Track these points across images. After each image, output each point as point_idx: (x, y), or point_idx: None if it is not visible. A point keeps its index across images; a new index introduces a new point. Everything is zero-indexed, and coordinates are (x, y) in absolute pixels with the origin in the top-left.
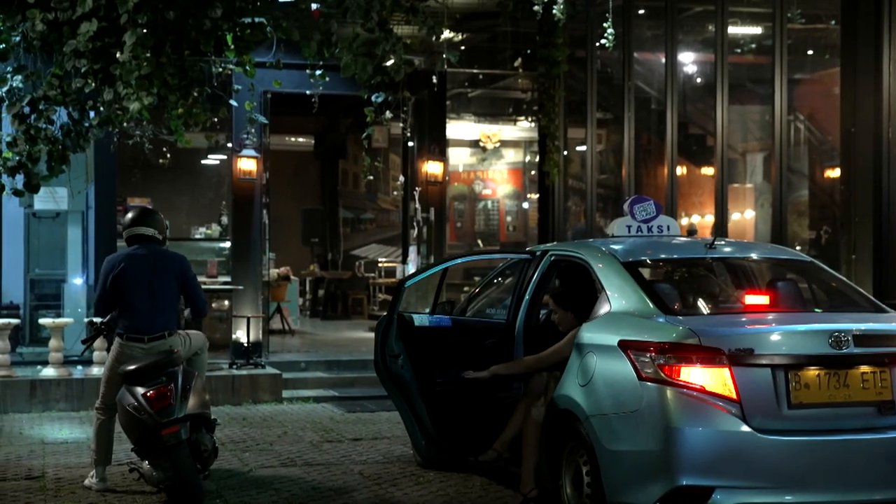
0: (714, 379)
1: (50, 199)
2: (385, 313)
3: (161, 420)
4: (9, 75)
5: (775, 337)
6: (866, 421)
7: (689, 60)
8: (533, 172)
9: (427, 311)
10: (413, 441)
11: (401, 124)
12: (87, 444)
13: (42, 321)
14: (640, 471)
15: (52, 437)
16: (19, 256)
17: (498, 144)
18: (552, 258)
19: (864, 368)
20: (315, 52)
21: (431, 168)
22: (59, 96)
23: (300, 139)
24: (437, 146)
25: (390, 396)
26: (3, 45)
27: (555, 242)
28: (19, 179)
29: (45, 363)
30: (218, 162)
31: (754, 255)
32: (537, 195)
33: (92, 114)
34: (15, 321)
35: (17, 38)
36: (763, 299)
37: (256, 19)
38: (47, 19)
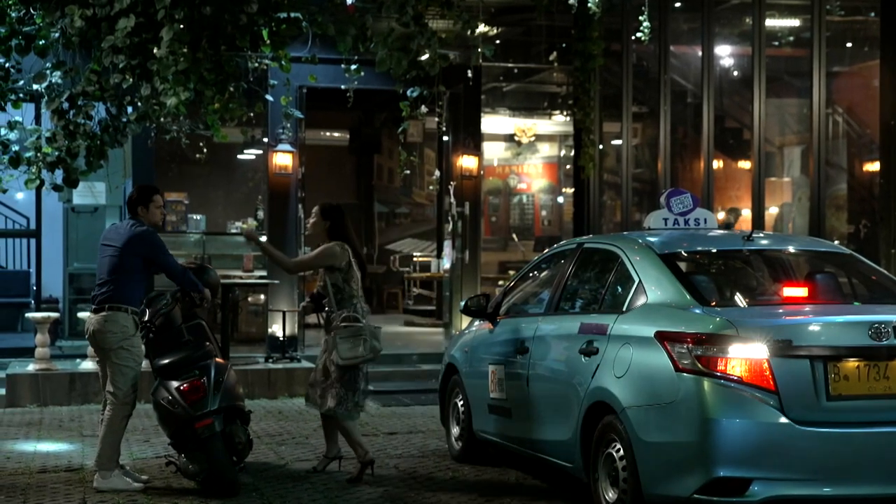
0: (752, 370)
1: (88, 193)
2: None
3: (194, 413)
4: (48, 71)
5: (814, 328)
6: None
7: (725, 53)
8: (568, 167)
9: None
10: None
11: (436, 119)
12: (126, 437)
13: (81, 315)
14: (677, 462)
15: (90, 430)
16: (58, 251)
17: (533, 139)
18: (586, 249)
19: None
20: (350, 46)
21: (466, 162)
22: (98, 92)
23: (335, 134)
24: (472, 140)
25: None
26: (43, 42)
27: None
28: (58, 174)
29: (83, 356)
30: (254, 157)
31: (792, 248)
32: (572, 189)
33: (129, 109)
34: (54, 315)
35: (56, 35)
36: (801, 291)
37: (292, 14)
38: (86, 16)
